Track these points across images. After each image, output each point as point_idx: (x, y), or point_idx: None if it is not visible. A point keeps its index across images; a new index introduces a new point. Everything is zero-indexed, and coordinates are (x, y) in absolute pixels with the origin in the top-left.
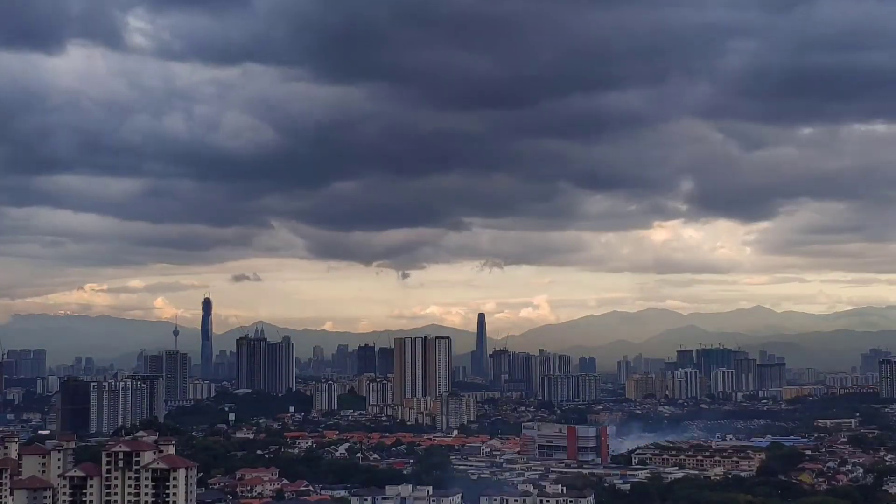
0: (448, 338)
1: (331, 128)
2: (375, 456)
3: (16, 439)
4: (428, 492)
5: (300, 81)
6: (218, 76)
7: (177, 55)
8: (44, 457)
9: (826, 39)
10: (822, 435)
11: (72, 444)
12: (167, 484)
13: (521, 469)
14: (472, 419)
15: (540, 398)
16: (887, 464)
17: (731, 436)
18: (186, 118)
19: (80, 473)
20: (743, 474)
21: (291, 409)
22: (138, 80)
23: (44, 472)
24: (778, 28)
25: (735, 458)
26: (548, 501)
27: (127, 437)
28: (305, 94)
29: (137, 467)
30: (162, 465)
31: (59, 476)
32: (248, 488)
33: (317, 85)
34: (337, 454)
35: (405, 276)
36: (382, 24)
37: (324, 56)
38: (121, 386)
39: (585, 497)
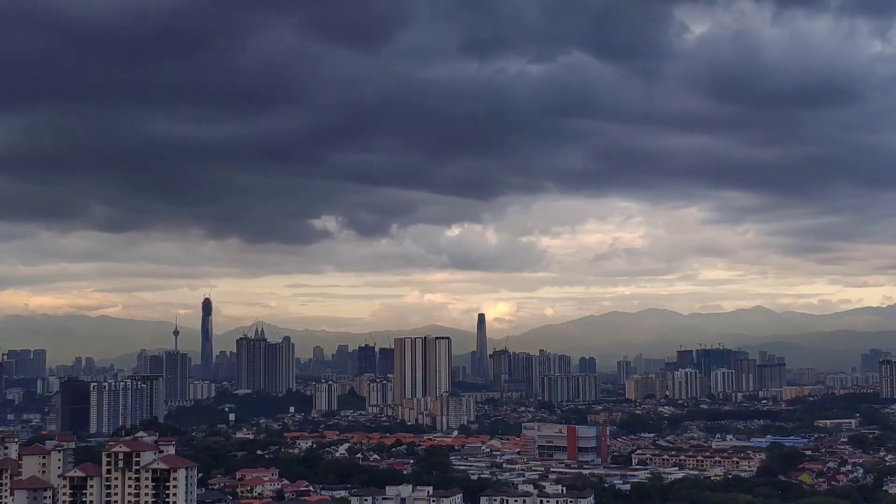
0: (448, 338)
1: None
2: (375, 456)
3: (16, 439)
4: (428, 492)
5: None
6: None
7: None
8: (44, 457)
9: None
10: (822, 435)
11: (72, 445)
12: (167, 484)
13: (521, 469)
14: (472, 419)
15: (540, 398)
16: (887, 464)
17: (731, 436)
18: None
19: (80, 474)
20: (743, 474)
21: (291, 409)
22: None
23: (44, 472)
24: None
25: (735, 459)
26: (548, 502)
27: (127, 438)
28: None
29: (137, 467)
30: (162, 466)
31: (59, 476)
32: (248, 488)
33: None
34: (337, 454)
35: None
36: None
37: None
38: (121, 386)
39: (585, 497)
